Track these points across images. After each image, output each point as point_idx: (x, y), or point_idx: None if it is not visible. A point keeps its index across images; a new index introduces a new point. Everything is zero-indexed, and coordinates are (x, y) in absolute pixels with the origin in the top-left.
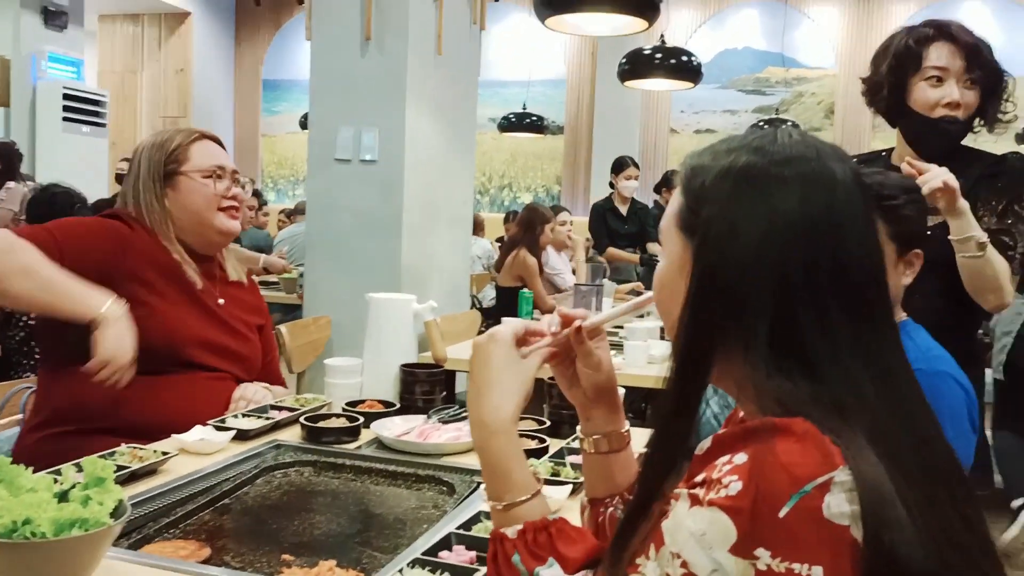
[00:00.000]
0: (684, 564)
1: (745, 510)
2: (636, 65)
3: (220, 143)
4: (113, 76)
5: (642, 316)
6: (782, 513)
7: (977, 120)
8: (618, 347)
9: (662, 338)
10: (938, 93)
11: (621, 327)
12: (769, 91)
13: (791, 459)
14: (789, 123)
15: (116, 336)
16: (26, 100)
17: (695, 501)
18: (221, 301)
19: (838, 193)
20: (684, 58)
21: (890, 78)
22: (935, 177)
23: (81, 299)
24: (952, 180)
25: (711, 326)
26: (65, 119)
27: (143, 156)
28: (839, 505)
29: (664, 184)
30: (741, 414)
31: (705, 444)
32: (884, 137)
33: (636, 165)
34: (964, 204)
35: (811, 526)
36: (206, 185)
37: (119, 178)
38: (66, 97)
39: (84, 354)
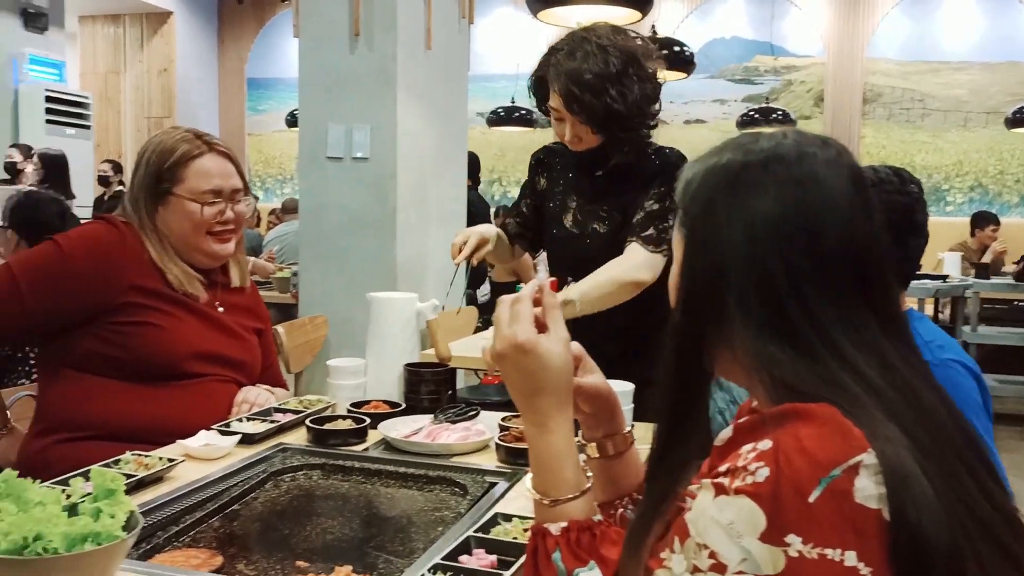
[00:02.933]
0: (712, 555)
1: (773, 496)
2: None
3: (230, 155)
4: (96, 77)
5: None
6: (812, 498)
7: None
8: None
9: None
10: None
11: None
12: (758, 80)
13: (816, 443)
14: (779, 113)
15: None
16: (7, 103)
17: (720, 490)
18: (221, 309)
19: (812, 190)
20: (676, 48)
21: None
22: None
23: None
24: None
25: (700, 321)
26: (48, 121)
27: (144, 160)
28: (868, 488)
29: None
30: (754, 403)
31: (725, 434)
32: (874, 124)
33: None
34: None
35: (842, 510)
36: (196, 210)
37: (102, 180)
38: (49, 100)
39: (81, 362)
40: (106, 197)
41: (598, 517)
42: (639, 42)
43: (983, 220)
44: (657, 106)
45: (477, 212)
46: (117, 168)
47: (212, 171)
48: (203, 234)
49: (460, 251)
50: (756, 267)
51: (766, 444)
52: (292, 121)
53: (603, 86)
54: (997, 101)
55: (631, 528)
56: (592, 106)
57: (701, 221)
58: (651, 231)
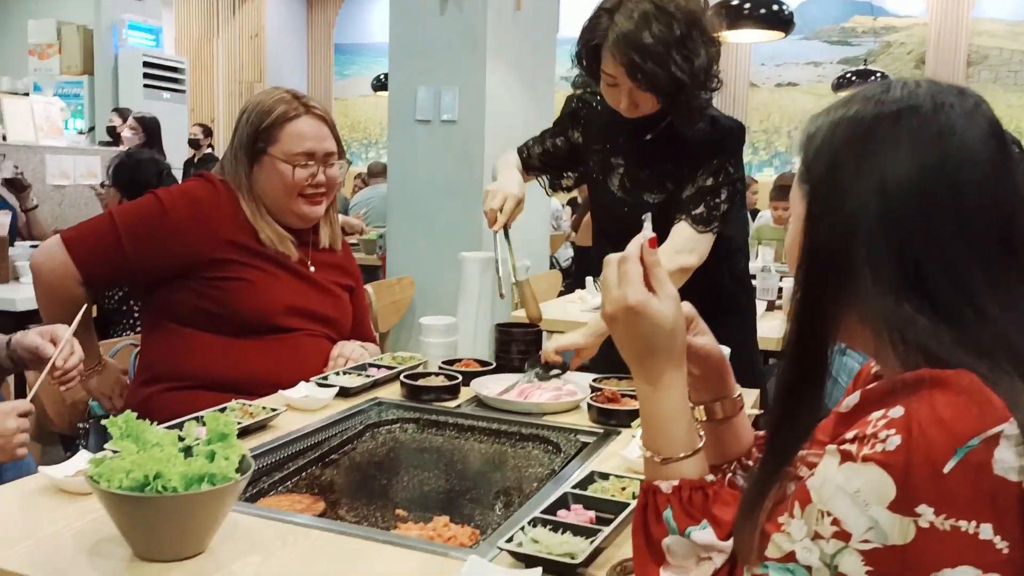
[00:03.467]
0: (836, 522)
1: (905, 465)
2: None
3: (326, 118)
4: (190, 43)
5: None
6: (947, 468)
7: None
8: None
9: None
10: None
11: None
12: (855, 41)
13: (952, 412)
14: (878, 75)
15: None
16: (108, 68)
17: (847, 457)
18: (312, 267)
19: (953, 143)
20: (775, 7)
21: None
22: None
23: None
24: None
25: (825, 281)
26: (146, 86)
27: (244, 120)
28: (1009, 460)
29: (780, 195)
30: (874, 369)
31: (852, 401)
32: (979, 88)
33: None
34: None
35: (979, 482)
36: (288, 172)
37: (192, 143)
38: (146, 64)
39: (181, 316)
40: (196, 159)
41: (711, 477)
42: (700, 1)
43: None
44: (718, 68)
45: None
46: (207, 132)
47: (307, 133)
48: (295, 196)
49: (495, 218)
50: (891, 226)
51: (898, 411)
52: (378, 85)
53: (668, 52)
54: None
55: (747, 491)
56: (655, 75)
57: (828, 178)
58: (702, 209)
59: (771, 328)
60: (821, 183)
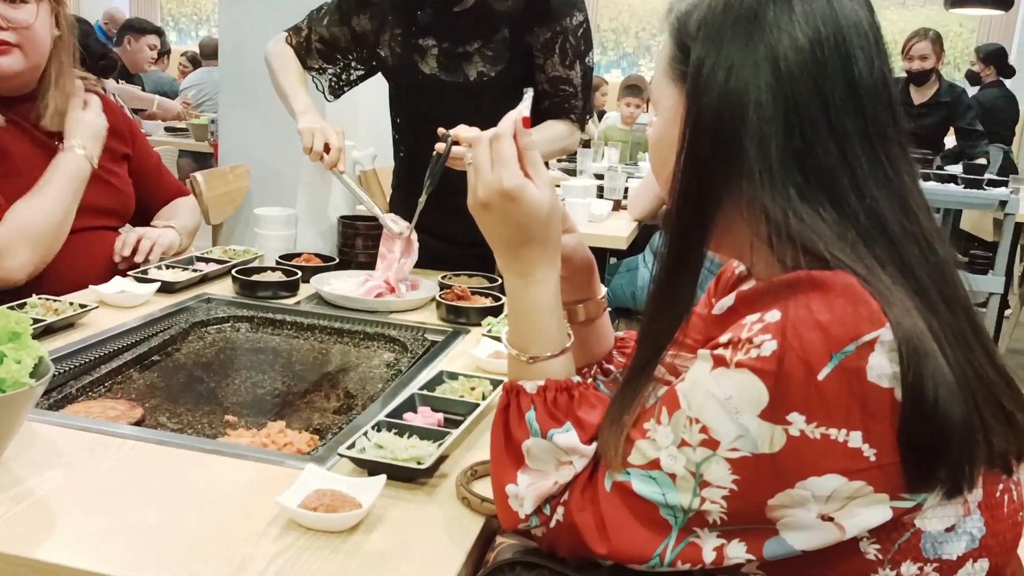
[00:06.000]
0: (704, 430)
1: (778, 372)
2: None
3: None
4: None
5: (574, 173)
6: (821, 375)
7: None
8: None
9: (599, 196)
10: None
11: (558, 185)
12: None
13: (830, 316)
14: None
15: None
16: None
17: (719, 362)
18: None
19: (842, 15)
20: None
21: None
22: None
23: None
24: None
25: (711, 172)
26: None
27: None
28: (882, 367)
29: (629, 92)
30: (738, 269)
31: (726, 303)
32: None
33: None
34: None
35: (852, 389)
36: None
37: None
38: None
39: None
40: None
41: (577, 379)
42: None
43: None
44: None
45: None
46: None
47: None
48: None
49: (332, 163)
50: (783, 97)
51: (774, 315)
52: None
53: None
54: None
55: (616, 393)
56: None
57: (713, 55)
58: (576, 104)
59: (618, 227)
60: (704, 62)
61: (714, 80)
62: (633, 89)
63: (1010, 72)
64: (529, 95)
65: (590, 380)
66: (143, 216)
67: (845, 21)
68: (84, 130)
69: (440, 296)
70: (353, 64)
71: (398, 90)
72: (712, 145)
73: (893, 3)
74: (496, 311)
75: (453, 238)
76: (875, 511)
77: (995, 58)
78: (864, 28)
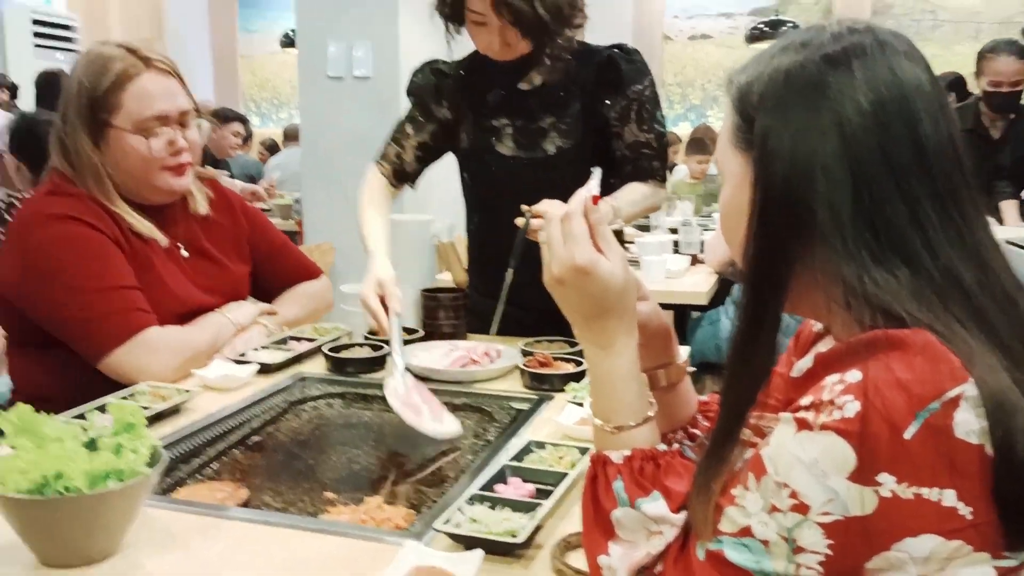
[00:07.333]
0: (794, 495)
1: (863, 433)
2: None
3: (171, 70)
4: None
5: (648, 228)
6: (908, 434)
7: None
8: (633, 263)
9: (675, 251)
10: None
11: (632, 242)
12: None
13: (911, 375)
14: (791, 25)
15: None
16: None
17: (803, 425)
18: (185, 254)
19: (903, 77)
20: None
21: None
22: None
23: None
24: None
25: (781, 238)
26: (37, 46)
27: (75, 90)
28: (969, 423)
29: (695, 148)
30: (816, 329)
31: (804, 365)
32: None
33: None
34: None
35: (940, 447)
36: (141, 144)
37: None
38: (35, 23)
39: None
40: None
41: (662, 447)
42: None
43: None
44: (583, 2)
45: None
46: None
47: (154, 92)
48: (156, 170)
49: (382, 325)
50: (850, 161)
51: (855, 376)
52: (287, 42)
53: None
54: (1013, 11)
55: (702, 460)
56: (520, 10)
57: (777, 128)
58: (657, 165)
59: (696, 282)
60: (769, 131)
61: (781, 148)
62: (699, 144)
63: None
64: (597, 173)
65: (676, 446)
66: (267, 293)
67: (907, 84)
68: (240, 311)
69: (523, 364)
70: (438, 158)
71: (473, 168)
72: (783, 212)
73: (966, 37)
74: (579, 376)
75: (528, 304)
76: (977, 570)
77: None
78: (926, 89)
